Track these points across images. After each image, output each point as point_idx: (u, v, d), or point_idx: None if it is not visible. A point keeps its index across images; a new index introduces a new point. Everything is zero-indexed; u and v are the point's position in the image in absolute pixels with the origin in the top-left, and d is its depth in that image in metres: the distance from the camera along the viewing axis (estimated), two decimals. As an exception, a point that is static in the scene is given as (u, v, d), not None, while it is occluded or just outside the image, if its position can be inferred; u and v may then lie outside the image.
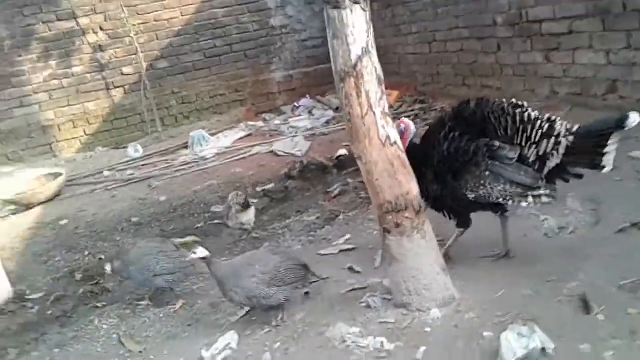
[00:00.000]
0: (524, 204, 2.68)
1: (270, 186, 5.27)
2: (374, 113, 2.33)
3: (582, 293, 2.46)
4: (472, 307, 2.57)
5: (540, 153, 2.55)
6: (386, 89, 7.79)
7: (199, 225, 4.75)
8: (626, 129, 2.39)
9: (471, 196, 2.75)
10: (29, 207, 6.23)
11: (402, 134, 2.93)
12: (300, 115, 8.29)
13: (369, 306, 2.74)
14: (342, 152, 5.72)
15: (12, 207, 6.34)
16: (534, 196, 2.64)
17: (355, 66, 2.29)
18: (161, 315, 3.28)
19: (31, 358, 3.14)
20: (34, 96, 8.63)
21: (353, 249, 3.61)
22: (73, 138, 8.77)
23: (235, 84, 9.28)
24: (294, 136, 7.02)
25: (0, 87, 8.44)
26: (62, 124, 8.74)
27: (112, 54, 8.78)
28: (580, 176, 2.65)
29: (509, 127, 2.67)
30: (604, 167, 2.48)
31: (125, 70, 8.85)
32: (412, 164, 2.72)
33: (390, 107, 7.64)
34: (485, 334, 2.37)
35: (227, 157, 6.77)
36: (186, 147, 7.53)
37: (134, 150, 7.77)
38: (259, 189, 5.32)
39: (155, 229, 4.91)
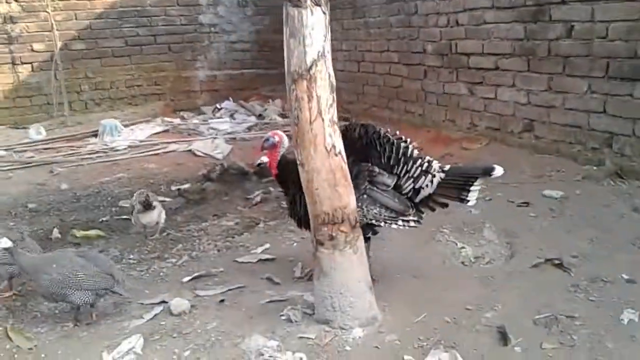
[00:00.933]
0: (394, 226, 2.85)
1: (186, 186, 5.04)
2: (323, 120, 2.26)
3: (500, 324, 2.51)
4: (393, 329, 2.54)
5: (416, 186, 2.79)
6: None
7: (105, 219, 4.44)
8: (492, 177, 2.73)
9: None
10: None
11: (274, 146, 3.08)
12: (221, 118, 8.08)
13: (289, 319, 2.63)
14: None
15: None
16: (403, 220, 2.84)
17: (309, 69, 2.21)
18: (56, 311, 2.97)
19: None
20: None
21: (272, 259, 3.49)
22: (-33, 111, 7.98)
23: (156, 77, 8.89)
24: (214, 137, 6.81)
25: None
26: (-44, 93, 7.94)
27: (24, 27, 8.11)
28: (445, 205, 2.89)
29: (392, 157, 2.85)
30: (468, 200, 2.77)
31: (36, 46, 8.20)
32: (284, 178, 2.99)
33: (314, 121, 7.70)
34: (406, 357, 2.35)
35: (140, 151, 6.43)
36: (95, 136, 7.07)
37: (36, 132, 7.19)
38: (173, 188, 5.07)
39: (54, 217, 4.53)
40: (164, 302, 2.96)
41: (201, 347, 2.53)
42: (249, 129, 7.58)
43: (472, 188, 2.74)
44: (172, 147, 6.52)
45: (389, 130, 2.92)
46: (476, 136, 5.60)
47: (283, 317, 2.67)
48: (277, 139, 3.11)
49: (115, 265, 2.98)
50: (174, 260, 3.56)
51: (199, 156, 6.14)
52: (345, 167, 2.39)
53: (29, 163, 6.07)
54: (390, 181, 2.80)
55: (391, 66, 7.02)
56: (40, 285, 2.80)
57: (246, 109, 8.44)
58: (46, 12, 7.94)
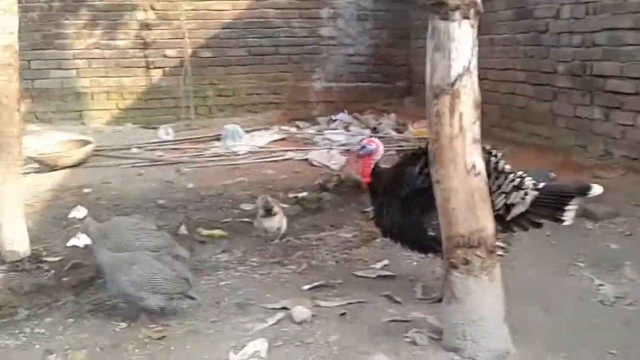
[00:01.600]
0: None
1: (303, 194, 5.11)
2: (464, 137, 2.19)
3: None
4: (526, 366, 2.40)
5: (509, 202, 2.69)
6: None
7: (227, 220, 4.59)
8: (588, 196, 2.65)
9: (431, 234, 2.82)
10: (52, 169, 6.12)
11: (371, 153, 3.09)
12: (336, 129, 8.16)
13: (414, 342, 2.56)
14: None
15: (36, 165, 6.23)
16: None
17: (453, 84, 2.16)
18: (184, 305, 3.10)
19: (43, 323, 2.97)
20: (73, 61, 8.59)
21: (392, 276, 3.44)
22: (105, 109, 8.70)
23: (275, 86, 9.18)
24: (329, 148, 6.89)
25: (42, 46, 8.41)
26: (96, 93, 8.67)
27: (159, 34, 8.72)
28: (539, 225, 2.79)
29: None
30: (564, 220, 2.66)
31: (168, 52, 8.78)
32: (375, 187, 3.04)
33: (430, 137, 7.56)
34: (541, 396, 2.20)
35: (259, 157, 6.64)
36: (218, 139, 7.41)
37: (165, 132, 7.66)
38: (291, 195, 5.16)
39: (180, 214, 4.76)
40: (285, 308, 3.00)
41: (323, 359, 2.52)
42: (363, 141, 7.57)
43: (568, 207, 2.63)
44: (289, 155, 6.67)
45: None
46: (611, 165, 5.21)
47: (407, 339, 2.60)
48: (374, 146, 3.09)
49: (187, 269, 3.06)
50: (293, 267, 3.60)
51: (315, 166, 6.23)
52: (486, 188, 2.30)
53: (158, 161, 6.47)
54: None
55: (516, 85, 6.75)
56: (117, 285, 2.86)
57: (360, 121, 8.47)
58: (179, 20, 8.47)
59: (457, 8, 2.09)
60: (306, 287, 3.28)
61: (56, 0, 8.38)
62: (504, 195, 2.70)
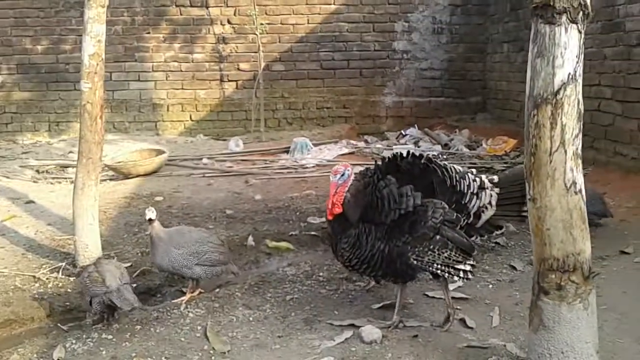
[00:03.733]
0: (455, 278, 2.74)
1: (372, 209, 4.96)
2: (565, 151, 1.99)
3: None
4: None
5: (480, 204, 2.64)
6: (504, 136, 7.27)
7: (294, 233, 4.52)
8: None
9: (414, 262, 2.68)
10: (127, 176, 6.28)
11: (346, 181, 2.81)
12: (405, 144, 7.97)
13: (494, 371, 2.36)
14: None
15: (111, 173, 6.42)
16: (464, 271, 2.69)
17: (556, 93, 1.96)
18: (250, 319, 3.03)
19: (110, 329, 2.98)
20: (152, 74, 8.88)
21: (465, 298, 3.23)
22: (179, 121, 8.93)
23: (345, 100, 9.12)
24: (400, 163, 6.71)
25: (123, 59, 8.76)
26: (172, 105, 8.92)
27: (234, 48, 8.89)
28: (501, 227, 2.82)
29: (453, 178, 2.71)
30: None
31: (242, 66, 8.92)
32: (345, 220, 2.78)
33: (506, 155, 7.23)
34: None
35: (327, 170, 6.53)
36: (287, 152, 7.41)
37: (235, 144, 7.74)
38: (359, 210, 5.03)
39: (248, 225, 4.73)
40: (353, 325, 2.87)
41: (395, 383, 2.37)
42: (434, 158, 7.35)
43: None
44: (358, 169, 6.53)
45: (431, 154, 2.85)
46: None
47: (487, 367, 2.41)
48: (350, 170, 2.84)
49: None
50: (362, 283, 3.46)
51: (385, 181, 6.07)
52: (584, 207, 2.08)
53: (228, 172, 6.52)
54: (459, 220, 2.67)
55: (601, 102, 6.33)
56: (171, 255, 3.19)
57: (431, 137, 8.24)
58: (255, 34, 8.59)
59: (564, 11, 1.91)
60: (376, 305, 3.13)
61: (139, 14, 8.73)
62: (475, 197, 2.62)
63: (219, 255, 3.31)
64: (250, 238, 4.32)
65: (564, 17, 1.92)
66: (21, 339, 2.95)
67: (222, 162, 7.05)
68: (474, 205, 2.68)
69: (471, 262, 2.72)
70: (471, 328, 2.87)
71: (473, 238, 2.78)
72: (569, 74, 1.96)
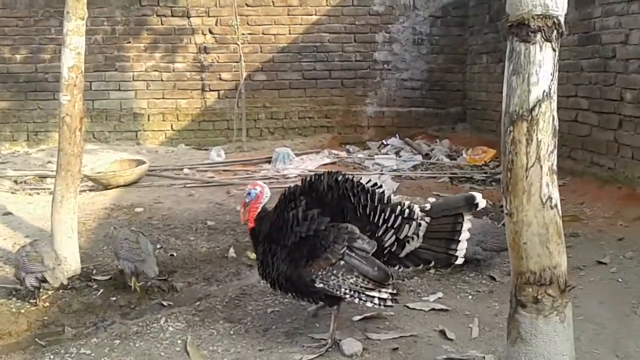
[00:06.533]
0: (369, 304, 2.67)
1: (354, 220, 4.98)
2: (541, 167, 2.02)
3: None
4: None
5: (401, 236, 2.61)
6: (483, 146, 7.34)
7: (275, 244, 4.50)
8: (477, 208, 2.62)
9: (319, 285, 2.66)
10: (106, 187, 6.22)
11: (256, 198, 2.89)
12: (387, 154, 8.03)
13: (473, 383, 2.38)
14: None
15: (90, 183, 6.36)
16: (379, 298, 2.64)
17: (532, 110, 2.00)
18: (231, 332, 3.02)
19: (89, 343, 2.94)
20: (132, 83, 8.83)
21: (445, 309, 3.26)
22: (160, 130, 8.88)
23: (326, 110, 9.15)
24: (381, 173, 6.76)
25: (103, 68, 8.70)
26: (153, 114, 8.88)
27: (215, 58, 8.88)
28: (429, 262, 2.74)
29: (368, 206, 2.68)
30: (457, 257, 2.63)
31: (224, 75, 8.91)
32: (257, 236, 2.85)
33: (486, 165, 7.32)
34: None
35: (309, 181, 6.57)
36: (269, 162, 7.40)
37: (217, 154, 7.72)
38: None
39: (229, 236, 4.72)
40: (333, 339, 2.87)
41: (376, 397, 2.38)
42: (415, 167, 7.42)
43: (460, 237, 2.59)
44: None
45: (361, 178, 2.84)
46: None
47: (465, 380, 2.43)
48: (258, 189, 2.92)
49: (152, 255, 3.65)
50: (343, 296, 3.47)
51: (366, 191, 6.10)
52: (560, 222, 2.12)
53: (209, 183, 6.49)
54: (370, 248, 2.62)
55: (579, 113, 6.45)
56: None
57: (412, 147, 8.31)
58: (236, 44, 8.59)
59: (538, 30, 1.95)
60: (357, 317, 3.13)
61: (120, 23, 8.68)
62: (393, 231, 2.61)
63: (130, 253, 3.61)
64: (232, 250, 4.31)
65: (538, 36, 1.96)
66: (-2, 355, 2.90)
67: (203, 173, 7.02)
68: (389, 238, 2.64)
69: (389, 290, 2.67)
70: (451, 340, 2.90)
71: (396, 268, 2.76)
72: (544, 91, 2.01)
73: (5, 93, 8.61)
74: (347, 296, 2.66)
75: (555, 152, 2.06)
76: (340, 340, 2.80)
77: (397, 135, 8.81)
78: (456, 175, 6.91)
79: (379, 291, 2.66)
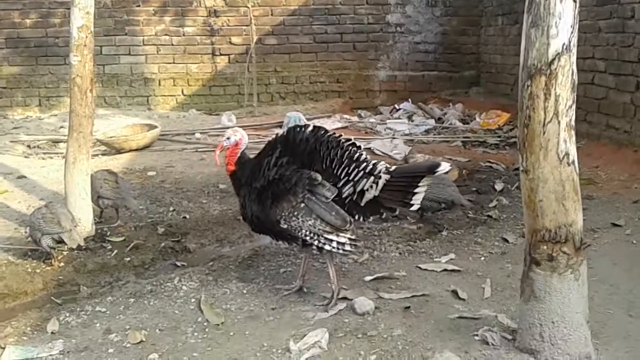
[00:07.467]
0: (327, 247, 2.77)
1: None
2: (559, 122, 1.98)
3: None
4: (609, 372, 2.18)
5: (358, 189, 2.73)
6: (497, 110, 7.22)
7: (287, 207, 4.51)
8: (437, 174, 2.69)
9: (284, 225, 2.81)
10: (119, 151, 6.24)
11: (235, 144, 3.01)
12: (399, 119, 7.94)
13: (485, 342, 2.39)
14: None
15: (103, 148, 6.37)
16: (338, 242, 2.75)
17: (550, 63, 1.95)
18: (244, 291, 3.05)
19: (104, 302, 2.99)
20: (143, 47, 8.76)
21: (457, 270, 3.25)
22: (170, 95, 8.84)
23: (338, 74, 9.05)
24: (393, 137, 6.70)
25: (113, 32, 8.62)
26: (163, 79, 8.82)
27: (225, 21, 8.76)
28: (393, 209, 2.88)
29: (335, 160, 2.80)
30: (412, 205, 2.72)
31: (234, 40, 8.81)
32: (239, 179, 3.01)
33: (499, 129, 7.22)
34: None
35: (321, 145, 6.53)
36: (280, 126, 7.34)
37: (228, 119, 7.68)
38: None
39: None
40: (346, 298, 2.89)
41: (388, 353, 2.39)
42: (427, 132, 7.35)
43: (417, 190, 2.67)
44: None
45: (342, 135, 2.92)
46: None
47: (477, 338, 2.43)
48: (238, 136, 3.04)
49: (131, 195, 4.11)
50: (355, 256, 3.48)
51: (378, 155, 6.06)
52: (577, 179, 2.08)
53: (221, 147, 6.47)
54: (330, 194, 2.75)
55: (595, 75, 6.31)
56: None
57: (425, 111, 8.21)
58: (247, 7, 8.46)
59: (559, -22, 1.88)
60: (368, 278, 3.15)
61: (129, -14, 8.57)
62: (352, 184, 2.74)
63: (111, 192, 3.96)
64: (243, 212, 4.31)
65: (559, -14, 1.89)
66: (15, 313, 2.95)
67: (214, 137, 7.00)
68: (347, 189, 2.75)
69: (347, 235, 2.77)
70: (463, 299, 2.91)
71: (357, 217, 2.85)
72: (564, 44, 1.94)
73: (17, 58, 8.58)
74: (307, 238, 2.78)
75: (574, 107, 2.01)
76: (352, 299, 2.81)
77: (409, 99, 8.70)
78: (469, 139, 6.84)
79: (337, 235, 2.76)
